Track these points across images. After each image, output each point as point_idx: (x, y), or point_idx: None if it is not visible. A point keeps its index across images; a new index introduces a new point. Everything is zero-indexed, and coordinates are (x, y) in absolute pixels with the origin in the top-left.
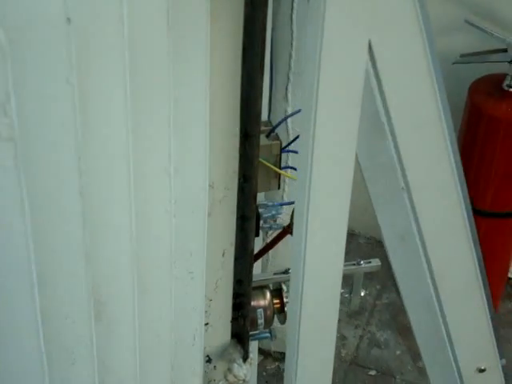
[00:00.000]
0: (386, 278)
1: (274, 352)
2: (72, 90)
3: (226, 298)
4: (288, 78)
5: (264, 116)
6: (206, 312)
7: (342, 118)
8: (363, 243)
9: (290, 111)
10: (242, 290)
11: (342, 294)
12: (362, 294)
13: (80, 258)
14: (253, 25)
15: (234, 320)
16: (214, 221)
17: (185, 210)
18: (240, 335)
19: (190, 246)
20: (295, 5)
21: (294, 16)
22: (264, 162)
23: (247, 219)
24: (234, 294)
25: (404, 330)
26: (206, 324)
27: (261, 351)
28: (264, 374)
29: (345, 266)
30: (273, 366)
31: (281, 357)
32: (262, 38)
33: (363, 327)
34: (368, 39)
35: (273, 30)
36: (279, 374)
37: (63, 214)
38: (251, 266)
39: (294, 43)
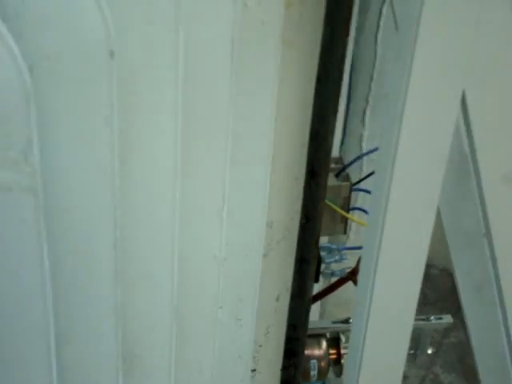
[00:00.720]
0: (455, 314)
1: None
2: (110, 131)
3: (277, 344)
4: (367, 101)
5: (335, 150)
6: (254, 358)
7: (425, 171)
8: (435, 274)
9: (366, 137)
10: (296, 336)
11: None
12: (430, 352)
13: (108, 314)
14: (331, 57)
15: (285, 368)
16: (270, 262)
17: (237, 253)
18: None
19: (240, 291)
20: (381, 23)
21: (379, 35)
22: (330, 203)
23: (306, 263)
24: (286, 340)
25: (470, 374)
26: (254, 370)
27: None
28: None
29: None
30: None
31: None
32: (339, 71)
33: (427, 367)
34: (462, 89)
35: (355, 46)
36: None
37: (92, 269)
38: (307, 313)
39: (376, 64)
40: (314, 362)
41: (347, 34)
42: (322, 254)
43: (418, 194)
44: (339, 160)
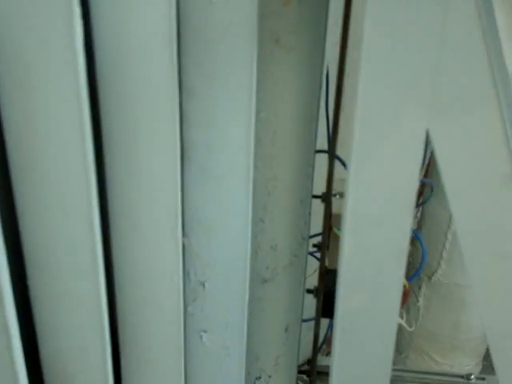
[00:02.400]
0: None
1: None
2: None
3: (288, 377)
4: None
5: None
6: None
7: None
8: None
9: None
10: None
11: None
12: None
13: None
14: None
15: None
16: (276, 289)
17: (220, 276)
18: None
19: (226, 316)
20: None
21: None
22: (338, 232)
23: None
24: None
25: None
26: None
27: None
28: None
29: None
30: None
31: None
32: None
33: None
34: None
35: None
36: None
37: None
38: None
39: None
40: None
41: None
42: None
43: None
44: None
